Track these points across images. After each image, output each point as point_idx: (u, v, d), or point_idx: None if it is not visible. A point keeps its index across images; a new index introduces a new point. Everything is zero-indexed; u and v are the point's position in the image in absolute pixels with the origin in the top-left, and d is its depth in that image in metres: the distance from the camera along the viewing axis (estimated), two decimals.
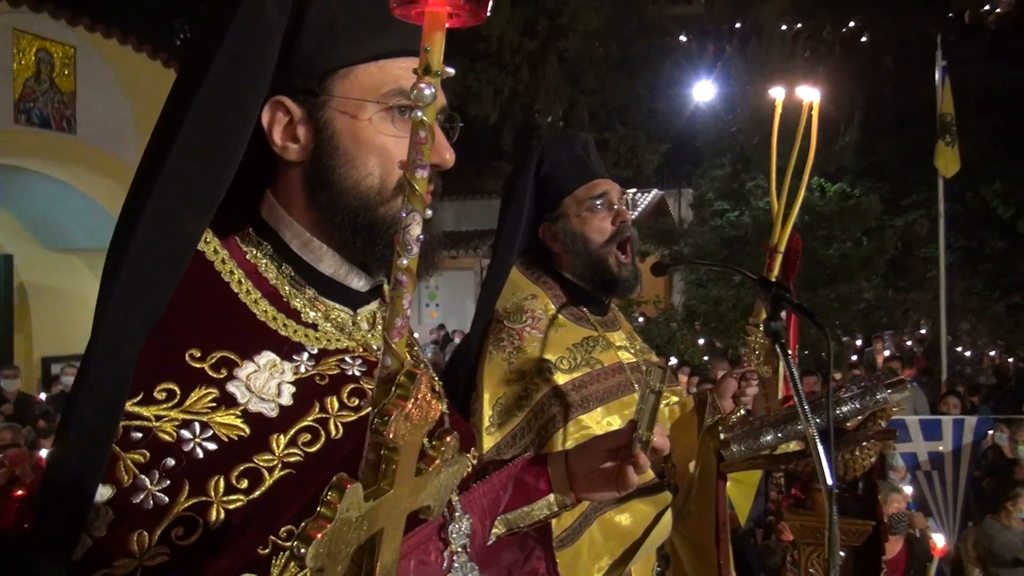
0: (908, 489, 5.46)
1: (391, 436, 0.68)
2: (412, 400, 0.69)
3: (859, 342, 16.49)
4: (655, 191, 20.52)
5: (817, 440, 1.47)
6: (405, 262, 0.69)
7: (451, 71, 0.69)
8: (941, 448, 4.72)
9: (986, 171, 19.58)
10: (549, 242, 2.16)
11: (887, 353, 14.10)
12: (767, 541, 5.64)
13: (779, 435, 1.95)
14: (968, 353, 16.37)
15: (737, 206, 14.33)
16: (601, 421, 1.99)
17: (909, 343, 17.15)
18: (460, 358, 2.16)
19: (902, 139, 20.41)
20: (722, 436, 1.99)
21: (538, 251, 2.18)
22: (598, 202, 2.12)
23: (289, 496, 0.93)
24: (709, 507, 2.13)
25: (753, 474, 4.28)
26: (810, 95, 2.37)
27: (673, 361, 11.66)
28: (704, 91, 15.18)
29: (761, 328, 2.21)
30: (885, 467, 6.40)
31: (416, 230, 0.69)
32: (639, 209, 19.76)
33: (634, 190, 19.17)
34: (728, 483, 4.32)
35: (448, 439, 0.80)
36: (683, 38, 24.88)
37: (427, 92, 0.66)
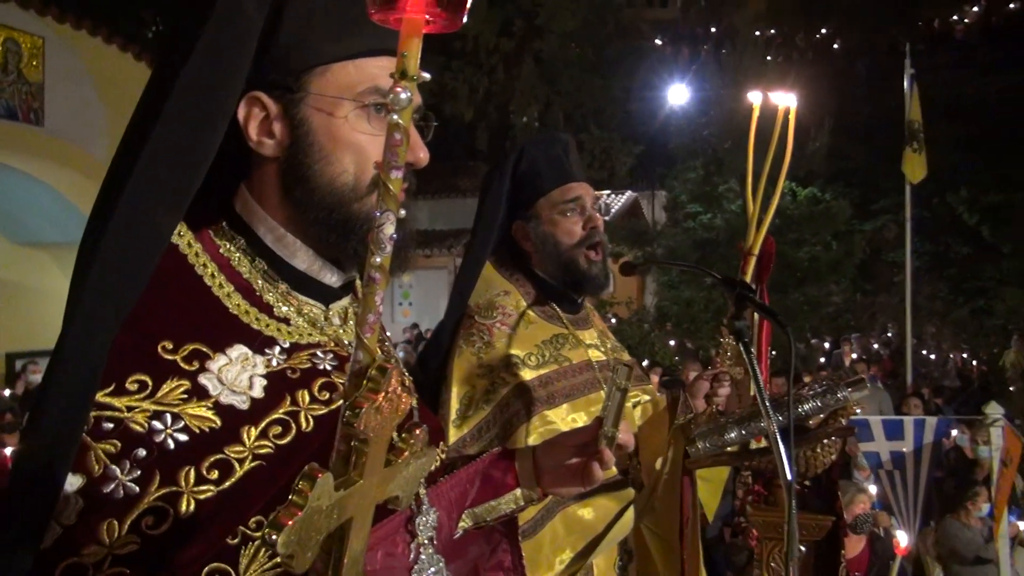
0: (873, 489, 5.56)
1: (362, 428, 0.70)
2: (383, 393, 0.71)
3: (827, 344, 16.74)
4: (629, 193, 20.63)
5: (778, 437, 1.51)
6: (378, 260, 0.71)
7: (427, 76, 0.71)
8: (903, 448, 4.82)
9: (952, 178, 19.97)
10: (521, 240, 2.17)
11: (854, 356, 14.33)
12: (735, 539, 5.72)
13: (743, 432, 1.98)
14: (932, 356, 16.68)
15: (709, 209, 14.48)
16: (566, 417, 2.02)
17: (876, 346, 17.43)
18: (431, 351, 2.16)
19: (871, 145, 20.78)
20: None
21: (511, 248, 2.20)
22: (570, 206, 2.14)
23: (259, 487, 0.93)
24: (675, 504, 2.16)
25: (720, 472, 4.34)
26: (786, 101, 2.41)
27: (645, 362, 11.74)
28: (678, 94, 15.32)
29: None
30: (851, 466, 6.53)
31: (390, 229, 0.71)
32: (613, 211, 19.88)
33: (608, 191, 19.28)
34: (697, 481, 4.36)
35: (417, 432, 0.82)
36: (658, 41, 25.06)
37: (403, 96, 0.68)
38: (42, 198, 9.38)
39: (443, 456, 1.29)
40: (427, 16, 0.67)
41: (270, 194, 1.08)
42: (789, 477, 1.42)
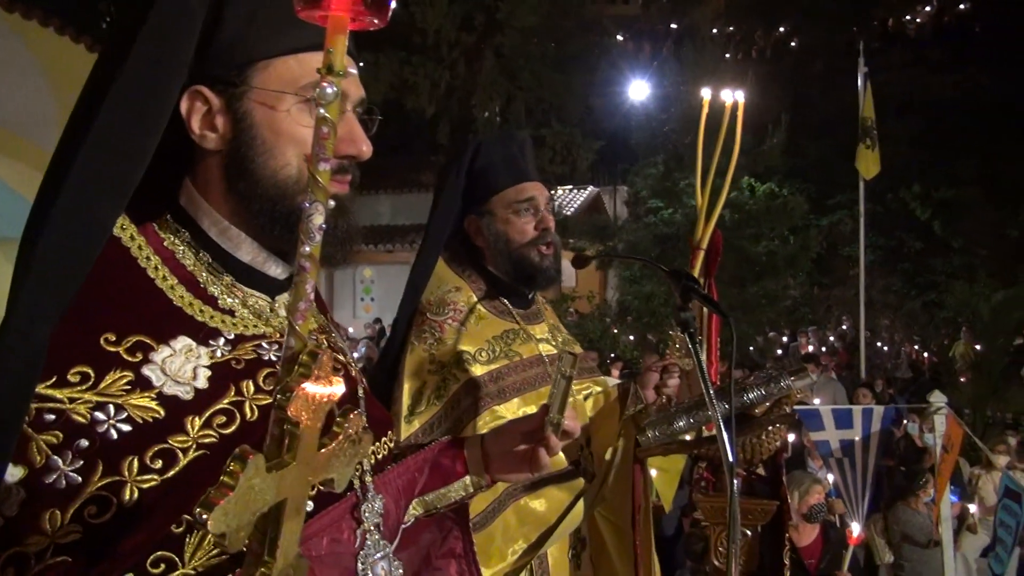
0: (831, 477, 5.68)
1: (293, 412, 0.72)
2: (314, 378, 0.73)
3: (785, 337, 17.04)
4: (591, 188, 20.75)
5: (721, 423, 1.56)
6: (308, 249, 0.73)
7: (354, 71, 0.74)
8: (852, 437, 4.95)
9: (905, 174, 20.46)
10: (473, 235, 2.19)
11: (810, 348, 14.64)
12: (693, 528, 5.81)
13: (691, 421, 2.05)
14: (886, 348, 17.08)
15: (670, 204, 14.61)
16: (517, 412, 2.04)
17: (832, 338, 17.79)
18: (387, 347, 2.19)
19: (827, 142, 21.17)
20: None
21: (462, 243, 2.21)
22: (524, 206, 2.16)
23: (204, 476, 0.93)
24: (628, 492, 2.21)
25: (676, 462, 4.41)
26: (734, 97, 2.48)
27: (612, 356, 11.84)
28: (639, 90, 15.43)
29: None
30: (805, 456, 6.67)
31: (318, 219, 0.73)
32: (575, 206, 19.97)
33: (570, 186, 19.36)
34: (653, 471, 4.44)
35: (352, 416, 0.84)
36: (620, 37, 25.21)
37: (329, 91, 0.70)
38: None
39: (391, 446, 1.31)
40: (351, 14, 0.69)
41: (214, 187, 1.09)
42: (731, 459, 1.48)
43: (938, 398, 3.87)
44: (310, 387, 0.73)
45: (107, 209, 0.97)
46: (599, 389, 2.38)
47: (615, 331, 14.18)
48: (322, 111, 0.71)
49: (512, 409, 2.03)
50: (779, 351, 15.20)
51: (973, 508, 6.09)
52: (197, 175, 1.11)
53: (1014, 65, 23.12)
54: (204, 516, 0.66)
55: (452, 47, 12.44)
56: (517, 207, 2.15)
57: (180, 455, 0.95)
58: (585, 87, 14.49)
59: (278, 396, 0.72)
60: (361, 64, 1.21)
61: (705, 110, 2.53)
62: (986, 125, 21.77)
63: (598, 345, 12.32)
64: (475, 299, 2.13)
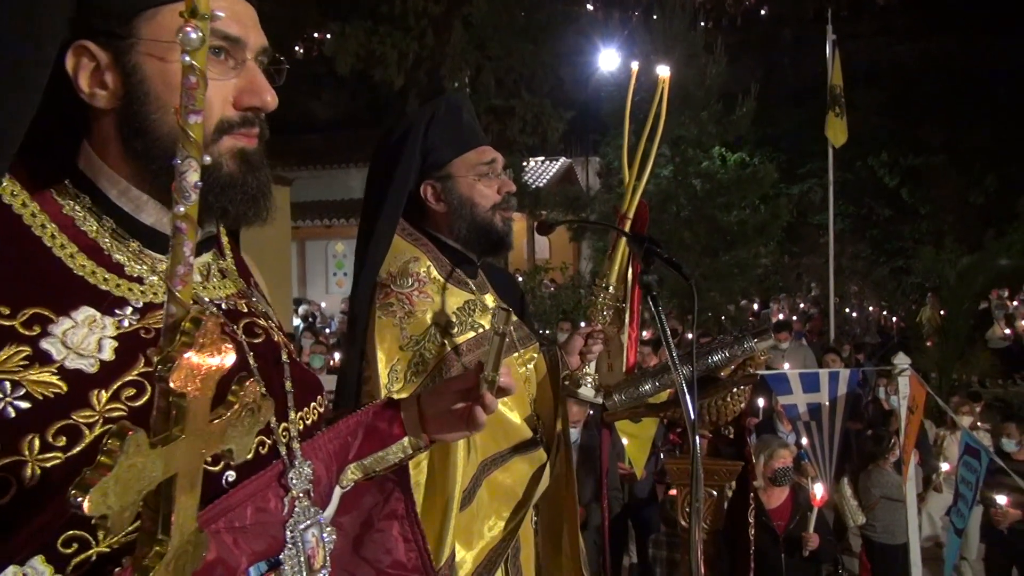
0: (804, 441, 5.78)
1: (176, 383, 0.69)
2: (199, 346, 0.70)
3: (756, 305, 17.24)
4: (563, 159, 20.73)
5: (683, 385, 1.57)
6: (182, 209, 0.69)
7: (221, 14, 0.69)
8: (819, 400, 5.03)
9: (873, 142, 20.67)
10: (431, 201, 2.12)
11: (781, 316, 14.81)
12: (668, 495, 5.90)
13: (657, 384, 2.06)
14: (855, 314, 17.35)
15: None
16: None
17: (802, 305, 18.03)
18: (351, 326, 2.09)
19: (797, 111, 21.30)
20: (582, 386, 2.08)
21: (412, 210, 2.14)
22: (487, 169, 2.12)
23: None
24: (567, 460, 2.20)
25: (648, 428, 4.46)
26: (663, 72, 2.51)
27: (583, 325, 11.88)
28: (609, 60, 15.35)
29: (608, 289, 2.31)
30: (775, 420, 6.78)
31: (193, 176, 0.69)
32: (547, 177, 19.95)
33: (541, 158, 19.32)
34: (625, 439, 4.48)
35: (248, 384, 0.81)
36: (589, 7, 25.03)
37: (193, 36, 0.66)
38: None
39: (320, 411, 1.26)
40: None
41: (111, 148, 1.04)
42: (692, 418, 1.49)
43: (901, 360, 3.93)
44: (196, 356, 0.69)
45: None
46: (539, 355, 2.36)
47: (588, 301, 14.22)
48: (187, 58, 0.67)
49: None
50: (751, 319, 15.37)
51: (944, 467, 6.24)
52: (93, 137, 1.05)
53: (980, 33, 23.34)
54: (79, 499, 0.62)
55: (420, 17, 12.26)
56: (482, 169, 2.11)
57: (86, 431, 0.90)
58: (555, 57, 14.35)
59: (159, 367, 0.68)
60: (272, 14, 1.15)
61: (633, 81, 2.56)
62: (952, 93, 22.02)
63: (572, 316, 12.37)
64: (434, 269, 2.08)
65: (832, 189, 12.09)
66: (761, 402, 6.45)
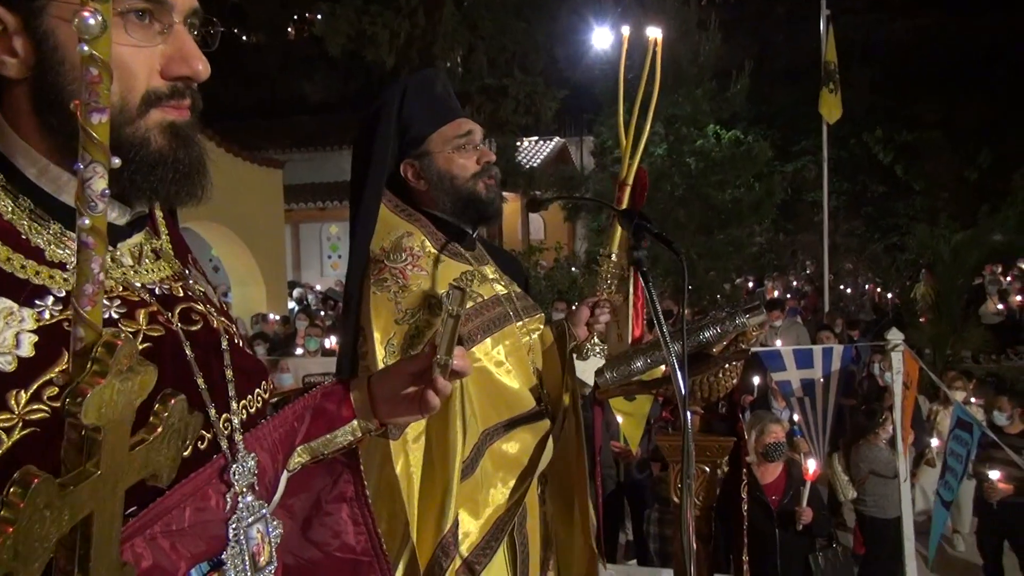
0: (796, 417, 5.80)
1: (89, 417, 0.62)
2: (114, 372, 0.64)
3: (752, 284, 17.27)
4: (557, 139, 20.64)
5: (674, 361, 1.57)
6: (87, 222, 0.63)
7: None
8: (813, 376, 5.05)
9: (868, 119, 20.59)
10: (412, 179, 2.13)
11: (776, 293, 14.85)
12: (662, 472, 5.93)
13: (648, 361, 2.06)
14: (849, 291, 17.39)
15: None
16: (491, 351, 2.02)
17: (796, 283, 18.07)
18: (346, 304, 2.09)
19: (792, 88, 21.19)
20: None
21: (398, 188, 2.15)
22: (463, 141, 2.12)
23: (34, 457, 0.78)
24: (574, 432, 2.21)
25: (642, 406, 4.48)
26: (654, 33, 2.49)
27: (575, 305, 11.88)
28: (602, 38, 15.24)
29: (611, 258, 2.32)
30: (769, 397, 6.80)
31: (99, 184, 0.63)
32: (541, 157, 19.87)
33: (535, 138, 19.23)
34: (620, 416, 4.49)
35: (172, 402, 0.75)
36: None
37: (91, 22, 0.60)
38: None
39: (265, 397, 1.20)
40: None
41: (25, 122, 0.95)
42: (683, 393, 1.49)
43: (895, 335, 3.94)
44: (110, 384, 0.63)
45: None
46: (543, 326, 2.37)
47: (583, 281, 14.23)
48: (86, 48, 0.60)
49: (484, 350, 2.01)
50: (745, 298, 15.41)
51: (935, 443, 6.28)
52: (6, 109, 0.96)
53: (975, 9, 23.21)
54: None
55: None
56: (457, 142, 2.11)
57: (3, 436, 0.82)
58: (548, 36, 14.25)
59: (67, 400, 0.62)
60: None
61: (625, 47, 2.54)
62: (947, 69, 21.93)
63: (566, 296, 12.37)
64: (429, 243, 2.09)
65: (826, 166, 12.09)
66: (756, 379, 6.49)
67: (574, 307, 2.34)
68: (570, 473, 2.21)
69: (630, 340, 2.32)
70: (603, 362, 2.20)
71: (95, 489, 0.64)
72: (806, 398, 5.11)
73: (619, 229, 2.34)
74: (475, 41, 12.88)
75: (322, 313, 13.22)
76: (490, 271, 2.20)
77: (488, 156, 2.15)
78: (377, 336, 1.93)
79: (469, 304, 2.04)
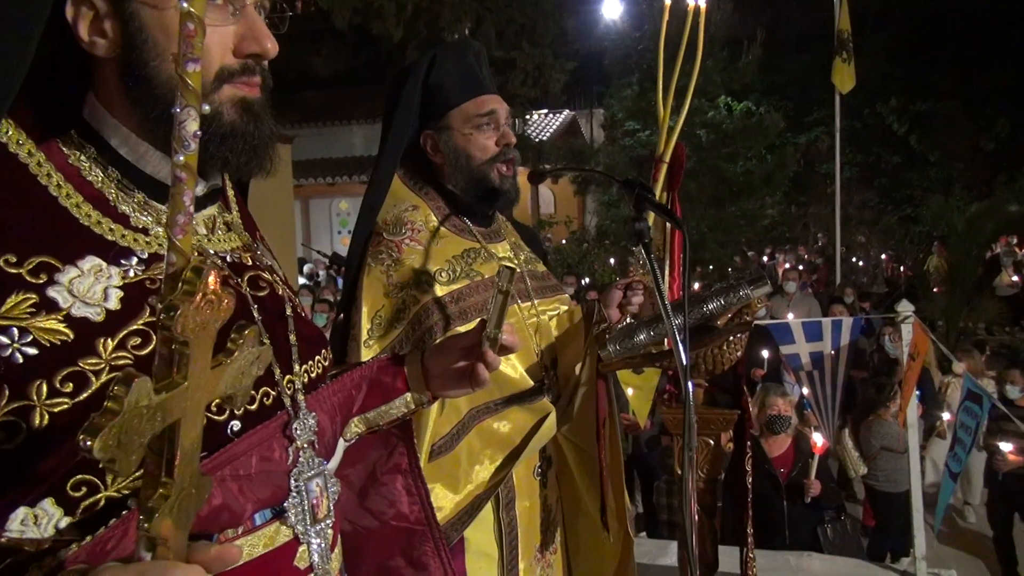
0: (806, 390, 5.79)
1: (180, 330, 0.70)
2: (200, 295, 0.71)
3: (766, 258, 17.17)
4: (566, 112, 20.48)
5: (676, 333, 1.55)
6: (182, 159, 0.70)
7: None
8: (822, 349, 5.02)
9: (882, 89, 20.29)
10: (430, 152, 2.10)
11: (787, 266, 14.75)
12: (670, 443, 5.94)
13: (651, 333, 2.04)
14: (861, 263, 17.26)
15: (646, 125, 14.44)
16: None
17: (806, 256, 17.94)
18: (347, 274, 2.10)
19: (804, 58, 20.88)
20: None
21: (417, 159, 2.12)
22: (484, 120, 2.07)
23: None
24: (593, 413, 2.21)
25: (650, 379, 4.46)
26: (697, 1, 2.41)
27: (585, 281, 11.88)
28: (612, 9, 15.04)
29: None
30: (781, 371, 6.78)
31: (192, 126, 0.70)
32: (551, 130, 19.74)
33: (544, 111, 19.08)
34: (629, 389, 4.48)
35: (247, 332, 0.82)
36: None
37: None
38: None
39: (325, 364, 1.28)
40: None
41: (114, 98, 1.04)
42: (684, 364, 1.47)
43: (905, 307, 3.90)
44: (197, 304, 0.70)
45: None
46: (564, 308, 2.34)
47: (593, 256, 14.20)
48: (185, 5, 0.67)
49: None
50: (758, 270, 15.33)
51: (946, 416, 6.26)
52: (97, 87, 1.05)
53: None
54: (88, 442, 0.63)
55: None
56: (478, 121, 2.07)
57: (92, 378, 0.92)
58: (556, 6, 14.06)
59: (162, 315, 0.69)
60: None
61: (666, 15, 2.45)
62: (963, 37, 21.53)
63: (576, 270, 12.34)
64: (434, 217, 2.06)
65: (839, 137, 11.93)
66: (766, 353, 6.46)
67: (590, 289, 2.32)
68: (583, 461, 2.21)
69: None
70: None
71: (182, 399, 0.72)
72: (815, 371, 5.09)
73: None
74: (483, 13, 12.73)
75: (324, 276, 13.19)
76: (501, 249, 2.17)
77: (508, 138, 2.10)
78: (365, 309, 1.95)
79: (465, 282, 2.02)
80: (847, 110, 13.12)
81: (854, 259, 17.45)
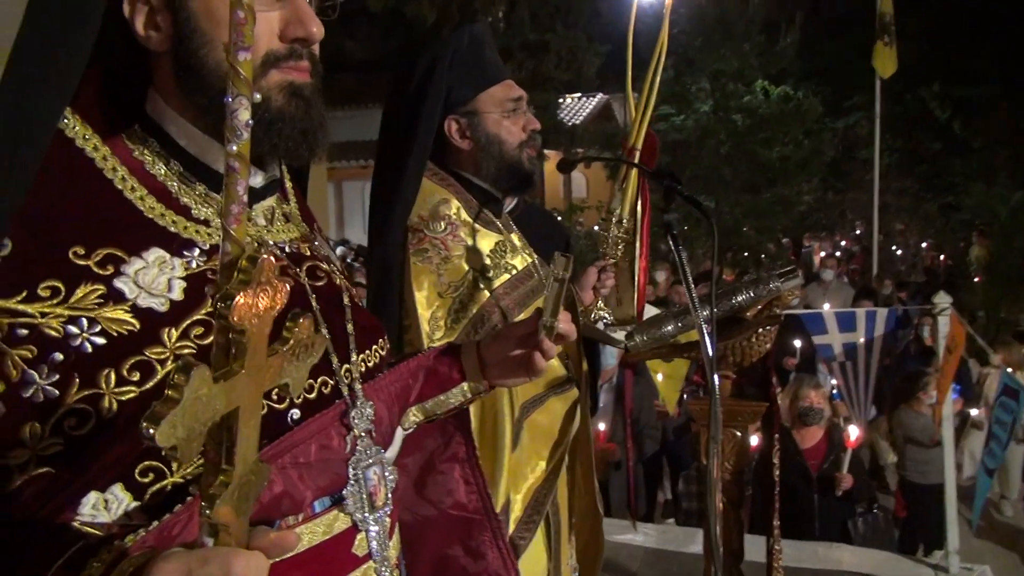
0: (835, 381, 5.72)
1: (236, 319, 0.71)
2: (255, 284, 0.72)
3: (806, 244, 16.90)
4: (600, 95, 20.29)
5: (703, 325, 1.55)
6: (235, 148, 0.70)
7: None
8: (855, 340, 4.95)
9: (925, 73, 19.78)
10: (455, 138, 2.05)
11: (823, 254, 14.53)
12: (698, 431, 5.91)
13: (679, 325, 2.03)
14: (900, 252, 16.93)
15: (680, 110, 14.27)
16: None
17: (844, 243, 17.65)
18: (383, 273, 1.99)
19: (844, 41, 20.44)
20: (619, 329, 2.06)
21: (435, 147, 2.05)
22: (514, 105, 2.06)
23: None
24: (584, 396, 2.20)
25: (679, 367, 4.45)
26: None
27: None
28: None
29: (620, 221, 2.27)
30: (816, 361, 6.69)
31: (244, 115, 0.70)
32: (584, 114, 19.59)
33: (578, 94, 18.92)
34: (658, 375, 4.46)
35: (303, 321, 0.82)
36: None
37: None
38: None
39: (382, 353, 1.29)
40: None
41: (172, 91, 1.06)
42: (711, 356, 1.47)
43: (942, 299, 3.83)
44: (252, 293, 0.71)
45: (47, 102, 0.95)
46: None
47: None
48: None
49: None
50: (792, 259, 15.10)
51: (974, 412, 6.14)
52: (156, 81, 1.08)
53: None
54: (151, 430, 0.65)
55: None
56: (509, 106, 2.05)
57: (158, 367, 0.95)
58: None
59: (219, 304, 0.70)
60: None
61: (635, 7, 2.51)
62: (1008, 20, 20.91)
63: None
64: (463, 211, 2.03)
65: (879, 123, 11.69)
66: (798, 342, 6.39)
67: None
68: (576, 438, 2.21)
69: (635, 302, 2.28)
70: (621, 333, 2.18)
71: (240, 386, 0.73)
72: (848, 362, 5.02)
73: (630, 192, 2.30)
74: None
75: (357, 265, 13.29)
76: (516, 239, 2.15)
77: (534, 124, 2.09)
78: (420, 310, 1.90)
79: (505, 277, 2.00)
80: (887, 95, 12.81)
81: (892, 247, 17.12)
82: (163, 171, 1.07)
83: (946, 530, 3.91)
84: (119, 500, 0.91)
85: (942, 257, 16.36)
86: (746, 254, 14.04)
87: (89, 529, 0.90)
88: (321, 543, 1.08)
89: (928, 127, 21.04)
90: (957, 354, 3.78)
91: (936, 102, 20.57)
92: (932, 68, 20.05)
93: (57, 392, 0.89)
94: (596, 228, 2.45)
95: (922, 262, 16.44)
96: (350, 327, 1.20)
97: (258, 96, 0.72)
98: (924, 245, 17.57)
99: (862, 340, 4.80)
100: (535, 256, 2.17)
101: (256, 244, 1.10)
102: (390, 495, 1.20)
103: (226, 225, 0.71)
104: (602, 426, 5.00)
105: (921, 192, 20.57)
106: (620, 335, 2.21)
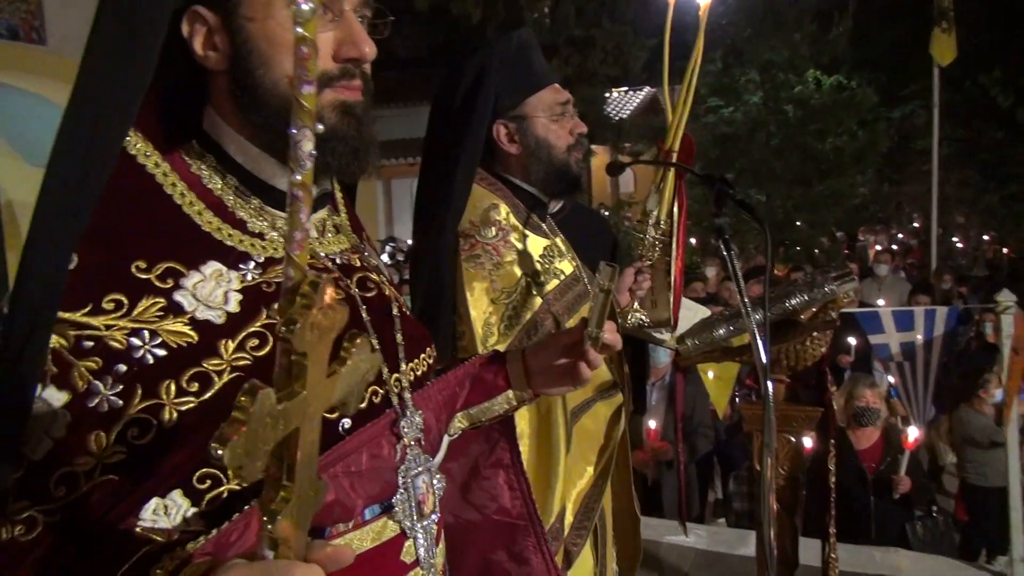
0: (892, 379, 5.57)
1: (298, 342, 0.73)
2: (317, 308, 0.73)
3: (860, 239, 16.50)
4: (647, 89, 20.09)
5: (755, 329, 1.51)
6: (299, 177, 0.72)
7: None
8: (913, 339, 4.80)
9: (985, 59, 19.11)
10: (503, 142, 2.05)
11: (878, 248, 14.16)
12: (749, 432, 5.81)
13: (731, 328, 2.00)
14: (961, 245, 16.41)
15: (729, 102, 14.04)
16: None
17: (901, 236, 17.18)
18: (430, 279, 1.95)
19: (899, 27, 19.83)
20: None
21: (485, 151, 2.04)
22: (563, 109, 2.06)
23: None
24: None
25: (730, 369, 4.39)
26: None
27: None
28: None
29: (656, 224, 2.23)
30: (872, 359, 6.53)
31: (308, 146, 0.72)
32: (631, 108, 19.42)
33: (624, 88, 18.76)
34: (709, 373, 4.40)
35: (359, 341, 0.84)
36: None
37: (304, 8, 0.68)
38: (51, 118, 9.30)
39: (430, 362, 1.31)
40: None
41: (228, 108, 1.09)
42: (763, 362, 1.43)
43: (1007, 297, 3.69)
44: (314, 317, 0.73)
45: (112, 124, 0.97)
46: None
47: None
48: (299, 29, 0.68)
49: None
50: (846, 252, 14.74)
51: None
52: (213, 99, 1.11)
53: None
54: (219, 451, 0.67)
55: None
56: (557, 110, 2.05)
57: (215, 378, 0.98)
58: None
59: (283, 328, 0.72)
60: None
61: (672, 4, 2.45)
62: None
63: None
64: (512, 216, 2.02)
65: (937, 112, 11.33)
66: (853, 340, 6.24)
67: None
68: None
69: (671, 304, 2.24)
70: (670, 337, 2.16)
71: (302, 407, 0.75)
72: (906, 363, 4.88)
73: (667, 193, 2.27)
74: None
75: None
76: (561, 242, 2.15)
77: (581, 127, 2.09)
78: (474, 317, 1.88)
79: (554, 283, 1.99)
80: (946, 82, 12.39)
81: (953, 239, 16.61)
82: (219, 185, 1.10)
83: (1010, 535, 3.76)
84: (178, 506, 0.94)
85: (1005, 250, 15.81)
86: (798, 249, 13.76)
87: (151, 535, 0.92)
88: (370, 550, 1.10)
89: (989, 115, 20.31)
90: (1023, 355, 3.64)
91: (997, 89, 19.87)
92: (993, 54, 19.35)
93: (121, 402, 0.92)
94: (627, 225, 2.41)
95: (984, 256, 15.91)
96: (399, 337, 1.22)
97: (320, 127, 0.74)
98: (986, 238, 17.00)
99: (920, 339, 4.66)
100: (578, 260, 2.15)
101: (311, 258, 1.12)
102: (438, 503, 1.21)
103: (289, 251, 0.72)
104: (653, 424, 4.96)
105: (982, 183, 19.89)
106: (664, 337, 2.19)
